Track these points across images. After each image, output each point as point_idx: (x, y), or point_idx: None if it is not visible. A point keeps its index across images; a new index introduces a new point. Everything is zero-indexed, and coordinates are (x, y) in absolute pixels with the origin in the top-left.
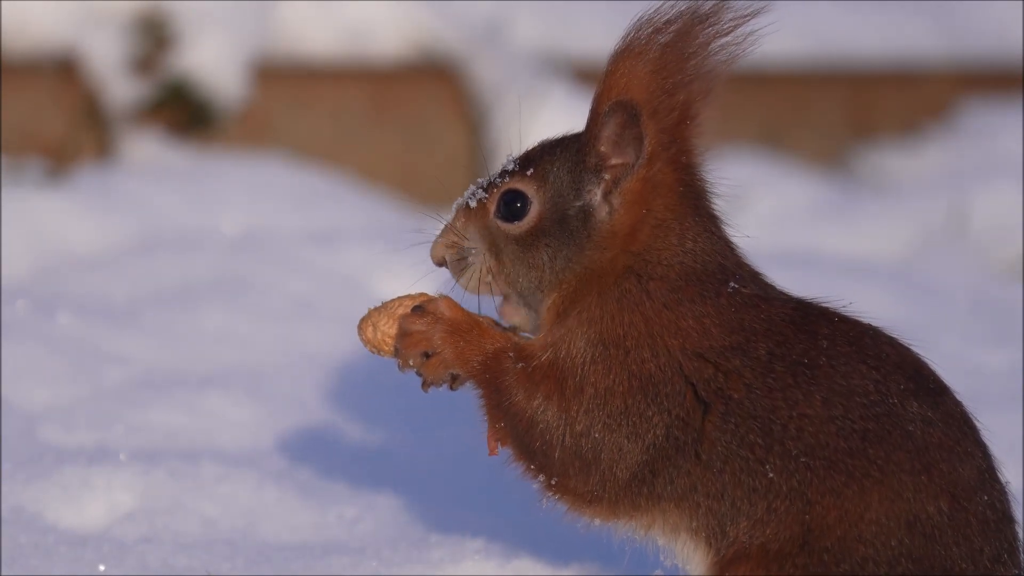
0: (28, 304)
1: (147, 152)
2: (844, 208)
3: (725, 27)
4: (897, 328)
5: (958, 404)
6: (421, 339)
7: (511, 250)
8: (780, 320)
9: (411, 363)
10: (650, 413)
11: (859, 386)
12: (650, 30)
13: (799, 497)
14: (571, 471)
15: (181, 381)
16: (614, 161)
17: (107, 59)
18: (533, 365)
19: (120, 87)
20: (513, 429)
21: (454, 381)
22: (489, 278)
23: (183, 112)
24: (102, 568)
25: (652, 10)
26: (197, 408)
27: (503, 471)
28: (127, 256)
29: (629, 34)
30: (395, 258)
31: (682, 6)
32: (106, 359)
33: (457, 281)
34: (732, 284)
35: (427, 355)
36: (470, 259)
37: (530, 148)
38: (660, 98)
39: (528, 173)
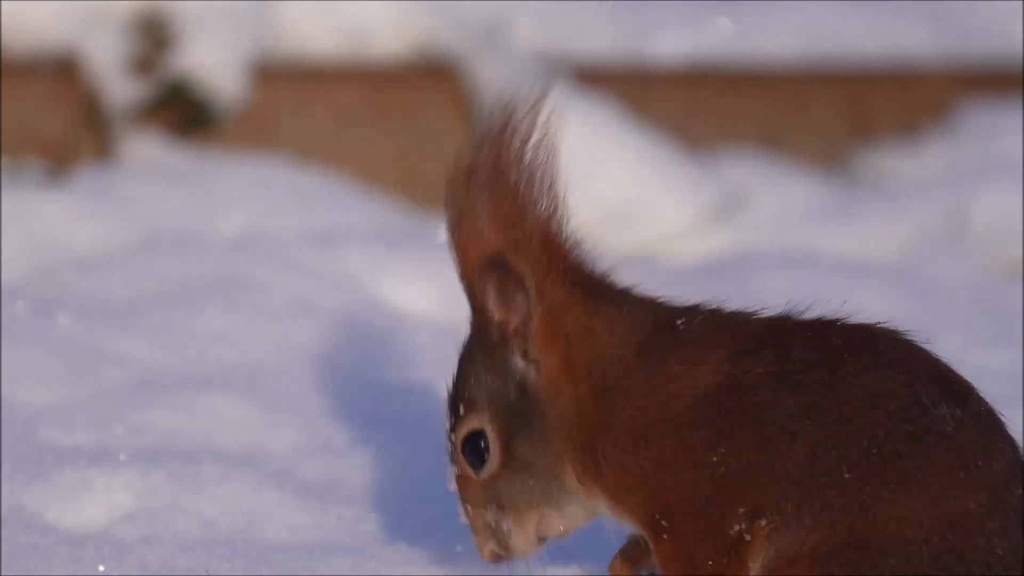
0: (28, 304)
1: (147, 152)
2: (844, 208)
3: (526, 128)
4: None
5: (982, 402)
6: None
7: (507, 483)
8: (768, 331)
9: None
10: (733, 421)
11: (892, 390)
12: (464, 184)
13: (846, 506)
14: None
15: (181, 381)
16: (513, 321)
17: (107, 59)
18: (653, 531)
19: (120, 87)
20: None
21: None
22: (526, 523)
23: (183, 112)
24: (102, 568)
25: (457, 161)
26: (197, 408)
27: None
28: (127, 256)
29: (451, 195)
30: (395, 259)
31: (478, 138)
32: (106, 359)
33: (514, 555)
34: (679, 322)
35: None
36: (502, 529)
37: (446, 394)
38: (512, 233)
39: (461, 413)
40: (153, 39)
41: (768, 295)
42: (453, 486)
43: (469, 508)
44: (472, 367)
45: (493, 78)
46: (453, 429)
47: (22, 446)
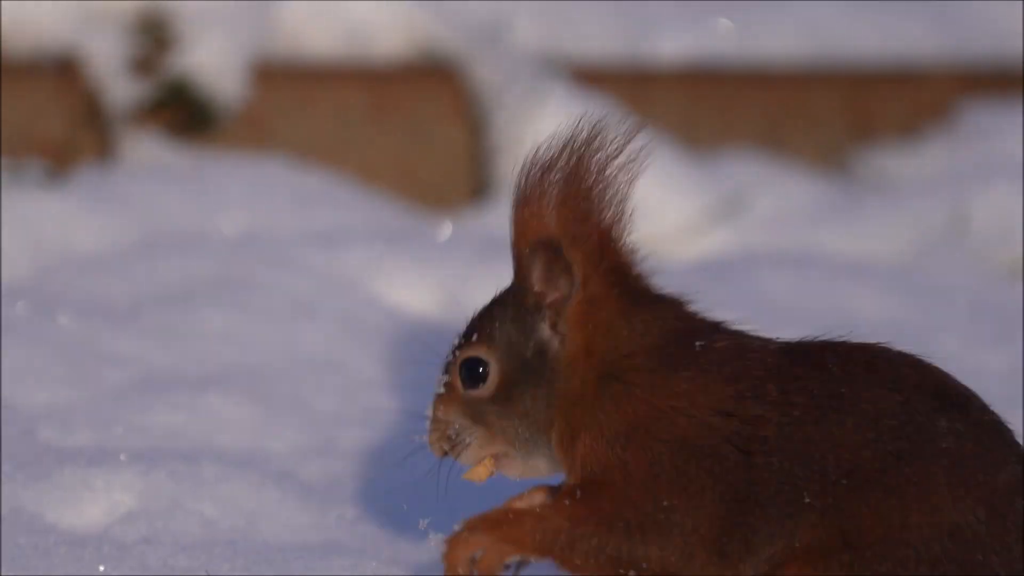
0: (28, 304)
1: (147, 152)
2: (844, 209)
3: (614, 149)
4: (897, 329)
5: (985, 411)
6: (464, 545)
7: (493, 411)
8: (776, 361)
9: (461, 572)
10: (702, 475)
11: (886, 409)
12: (540, 172)
13: (837, 521)
14: (662, 549)
15: (181, 381)
16: (551, 297)
17: (107, 59)
18: (581, 490)
19: (120, 87)
20: (604, 555)
21: (519, 568)
22: (486, 445)
23: (183, 112)
24: (102, 568)
25: (535, 152)
26: (197, 408)
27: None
28: (127, 256)
29: (520, 182)
30: (395, 259)
31: (563, 139)
32: (106, 359)
33: (461, 463)
34: (698, 343)
35: (474, 559)
36: (463, 438)
37: (470, 318)
38: (575, 226)
39: (473, 339)
40: (154, 39)
41: (768, 295)
42: (438, 388)
43: (441, 410)
44: (501, 313)
45: (493, 78)
46: (460, 347)
47: (22, 446)
